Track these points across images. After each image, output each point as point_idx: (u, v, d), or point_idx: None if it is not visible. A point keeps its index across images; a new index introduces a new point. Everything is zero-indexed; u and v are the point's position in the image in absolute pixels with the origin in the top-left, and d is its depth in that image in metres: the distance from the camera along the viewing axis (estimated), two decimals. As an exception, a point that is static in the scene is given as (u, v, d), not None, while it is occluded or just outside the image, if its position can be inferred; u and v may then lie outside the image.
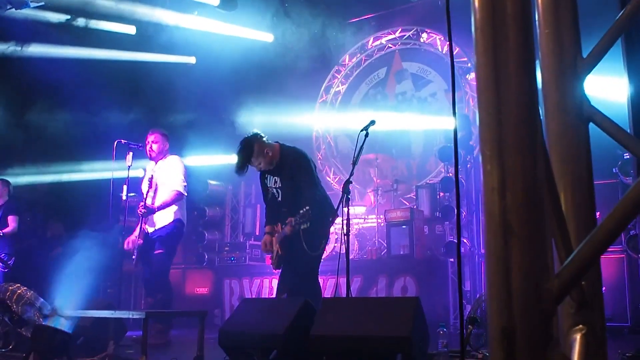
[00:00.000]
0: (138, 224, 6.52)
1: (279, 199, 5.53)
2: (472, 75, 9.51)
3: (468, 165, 8.29)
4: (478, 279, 7.81)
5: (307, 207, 5.00)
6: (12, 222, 8.09)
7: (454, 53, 9.65)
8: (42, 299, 5.77)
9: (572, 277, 1.02)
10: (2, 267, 7.91)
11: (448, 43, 9.88)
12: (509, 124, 0.99)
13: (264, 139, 5.45)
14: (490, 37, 1.04)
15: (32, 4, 8.59)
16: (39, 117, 9.84)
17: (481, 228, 8.05)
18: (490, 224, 1.02)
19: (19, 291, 5.77)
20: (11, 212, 8.17)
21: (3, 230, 8.00)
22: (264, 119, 10.32)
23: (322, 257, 5.57)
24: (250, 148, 5.34)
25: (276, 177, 5.53)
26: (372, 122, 5.59)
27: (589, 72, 1.25)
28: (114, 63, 9.69)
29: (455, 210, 8.02)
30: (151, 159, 6.68)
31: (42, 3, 8.64)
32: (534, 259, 0.99)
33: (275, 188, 5.57)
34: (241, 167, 5.36)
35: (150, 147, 6.58)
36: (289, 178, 5.41)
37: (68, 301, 5.67)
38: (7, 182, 8.45)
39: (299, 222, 5.03)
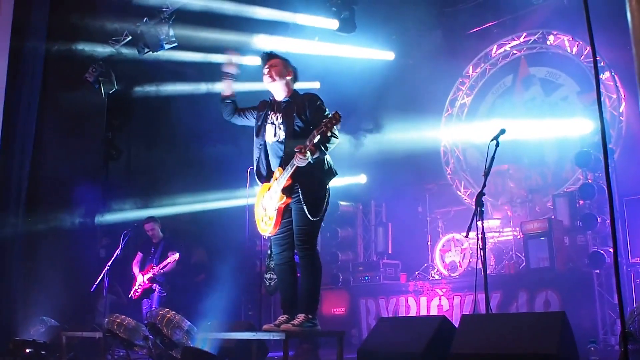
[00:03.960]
0: None
1: (280, 138, 4.90)
2: (607, 75, 9.01)
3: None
4: (628, 291, 7.32)
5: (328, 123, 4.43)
6: (172, 259, 8.40)
7: (585, 53, 9.22)
8: (189, 322, 6.04)
9: None
10: (160, 291, 8.42)
11: (577, 43, 9.44)
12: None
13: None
14: None
15: (167, 46, 9.10)
16: (175, 150, 10.43)
17: (627, 237, 7.58)
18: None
19: (168, 315, 6.07)
20: (172, 248, 8.52)
21: (165, 269, 8.37)
22: (389, 137, 10.34)
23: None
24: (283, 58, 5.05)
25: (279, 114, 4.95)
26: (503, 131, 5.44)
27: None
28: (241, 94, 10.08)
29: (602, 218, 7.59)
30: None
31: (176, 44, 9.13)
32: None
33: (276, 124, 4.95)
34: (268, 56, 5.02)
35: None
36: (300, 115, 4.82)
37: (212, 324, 5.90)
38: (157, 219, 8.90)
39: (320, 139, 4.46)
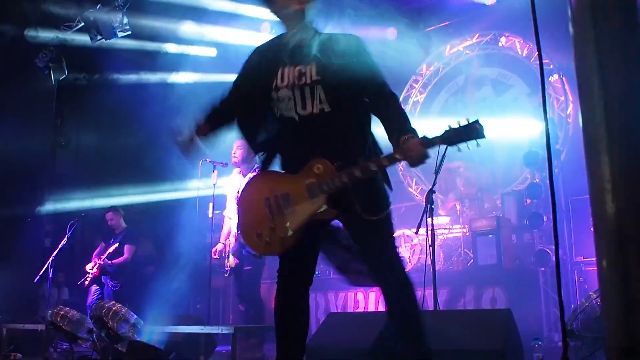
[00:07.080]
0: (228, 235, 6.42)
1: (313, 109, 2.86)
2: (555, 78, 9.22)
3: (556, 170, 7.99)
4: (572, 289, 7.51)
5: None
6: (127, 251, 8.27)
7: (535, 56, 9.38)
8: (135, 316, 5.94)
9: None
10: (114, 285, 8.20)
11: (528, 46, 9.61)
12: (616, 115, 0.88)
13: None
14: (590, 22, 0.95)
15: (120, 34, 8.95)
16: (126, 139, 10.23)
17: (572, 236, 7.77)
18: (601, 228, 0.89)
19: (114, 308, 5.96)
20: (129, 241, 8.39)
21: (115, 261, 8.19)
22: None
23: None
24: None
25: (302, 67, 2.87)
26: (454, 130, 5.48)
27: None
28: (195, 86, 9.99)
29: (548, 217, 7.75)
30: (235, 166, 6.49)
31: (129, 32, 8.99)
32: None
33: (298, 86, 2.85)
34: None
35: (234, 153, 6.31)
36: (343, 66, 2.86)
37: (159, 317, 5.81)
38: (118, 210, 8.72)
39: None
